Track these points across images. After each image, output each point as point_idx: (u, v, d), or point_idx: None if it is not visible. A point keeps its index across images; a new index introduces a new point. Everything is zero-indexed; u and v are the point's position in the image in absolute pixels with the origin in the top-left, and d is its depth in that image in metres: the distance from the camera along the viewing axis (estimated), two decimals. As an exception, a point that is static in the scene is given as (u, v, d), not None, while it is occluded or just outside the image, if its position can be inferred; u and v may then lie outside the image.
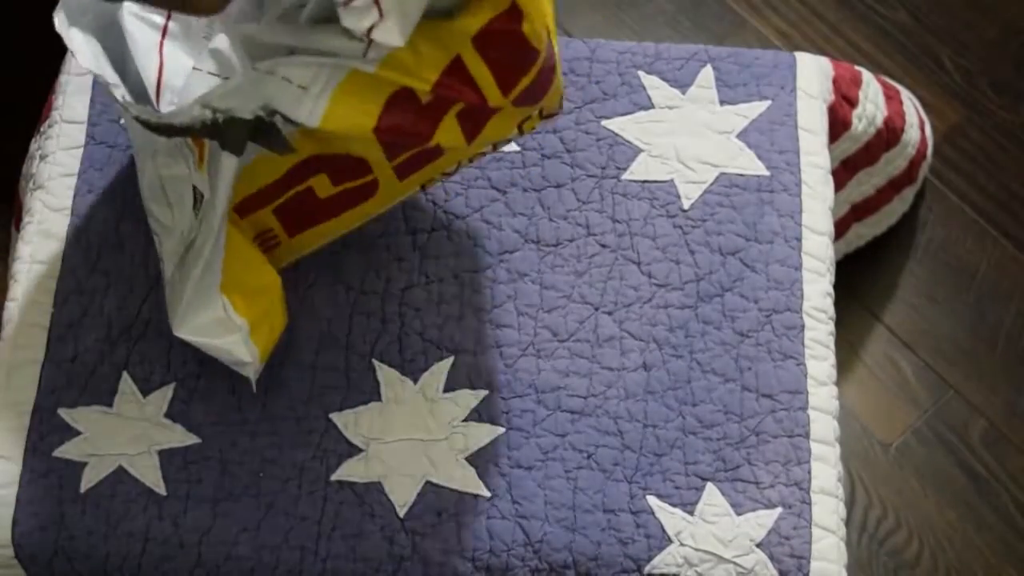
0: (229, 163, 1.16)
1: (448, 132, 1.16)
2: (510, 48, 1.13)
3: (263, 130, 1.13)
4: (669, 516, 1.22)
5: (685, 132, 1.37)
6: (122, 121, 1.36)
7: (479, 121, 1.17)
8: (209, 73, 1.20)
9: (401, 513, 1.22)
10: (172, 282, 1.22)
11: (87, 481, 1.23)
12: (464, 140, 1.17)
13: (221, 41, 1.20)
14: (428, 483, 1.23)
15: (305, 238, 1.26)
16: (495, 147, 1.23)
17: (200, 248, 1.19)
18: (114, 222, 1.32)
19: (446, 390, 1.27)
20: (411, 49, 1.12)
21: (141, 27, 1.22)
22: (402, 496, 1.22)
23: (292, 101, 1.12)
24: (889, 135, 1.57)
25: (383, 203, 1.24)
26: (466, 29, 1.11)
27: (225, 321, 1.20)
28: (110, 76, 1.18)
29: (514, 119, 1.19)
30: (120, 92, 1.17)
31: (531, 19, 1.12)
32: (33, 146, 1.40)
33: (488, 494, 1.23)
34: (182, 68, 1.23)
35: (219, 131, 1.13)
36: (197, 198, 1.20)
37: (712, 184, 1.35)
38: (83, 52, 1.18)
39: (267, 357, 1.23)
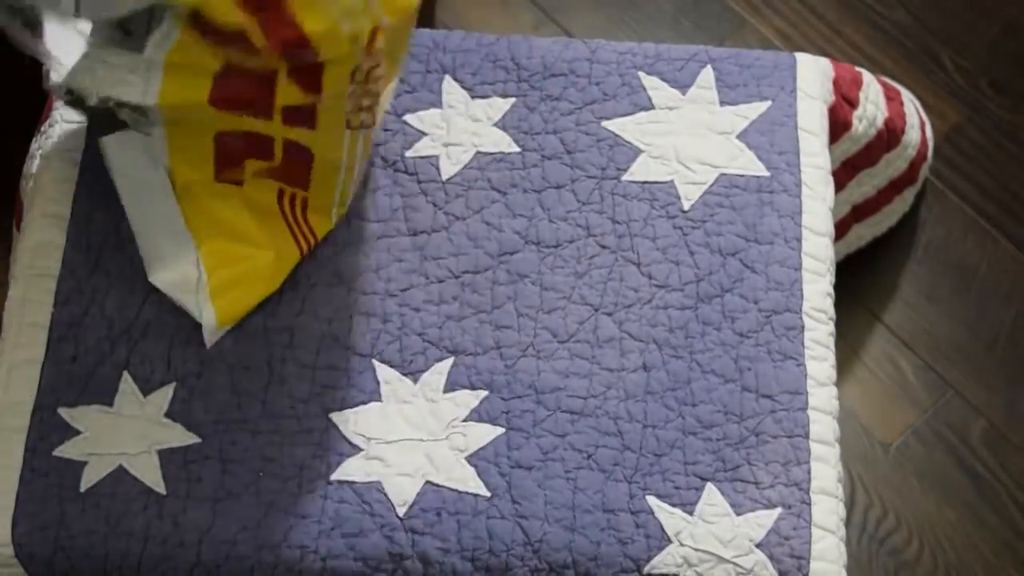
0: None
1: (289, 94, 1.19)
2: None
3: (105, 118, 1.17)
4: (669, 516, 1.22)
5: (685, 133, 1.37)
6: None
7: (312, 75, 1.19)
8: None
9: (401, 512, 1.22)
10: (143, 230, 1.26)
11: (87, 480, 1.23)
12: (306, 95, 1.20)
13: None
14: (428, 483, 1.23)
15: (318, 174, 1.28)
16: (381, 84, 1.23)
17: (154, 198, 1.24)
18: (114, 222, 1.32)
19: (446, 390, 1.27)
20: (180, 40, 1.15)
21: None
22: (402, 496, 1.23)
23: (123, 85, 1.16)
24: (890, 136, 1.57)
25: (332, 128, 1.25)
26: None
27: (193, 282, 1.25)
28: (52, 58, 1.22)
29: (338, 71, 1.19)
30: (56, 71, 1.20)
31: None
32: (33, 146, 1.40)
33: (488, 494, 1.23)
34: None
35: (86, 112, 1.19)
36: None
37: (712, 185, 1.35)
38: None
39: (232, 322, 1.27)
